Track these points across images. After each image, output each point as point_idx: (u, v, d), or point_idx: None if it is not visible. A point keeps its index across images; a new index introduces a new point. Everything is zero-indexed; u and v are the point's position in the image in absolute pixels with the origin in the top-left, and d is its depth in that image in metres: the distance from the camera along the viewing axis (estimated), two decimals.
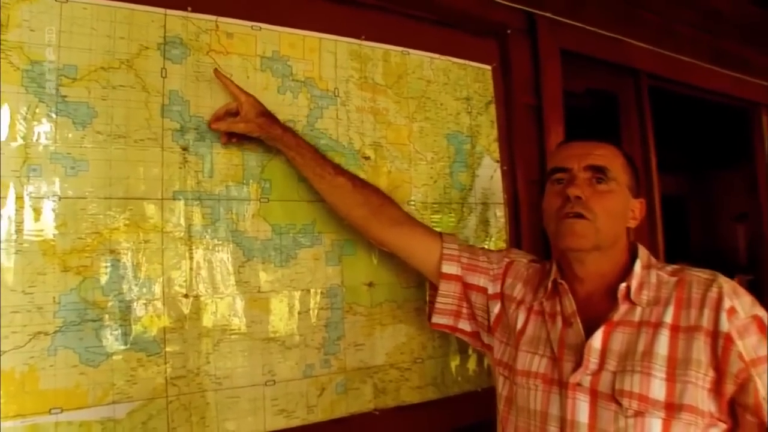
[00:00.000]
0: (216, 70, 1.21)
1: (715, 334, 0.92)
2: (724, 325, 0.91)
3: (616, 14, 2.03)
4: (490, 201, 1.61)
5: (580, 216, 1.03)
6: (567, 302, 1.07)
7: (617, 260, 1.07)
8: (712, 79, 2.38)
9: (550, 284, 1.12)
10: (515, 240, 1.65)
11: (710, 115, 2.99)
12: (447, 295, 1.23)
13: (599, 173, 1.05)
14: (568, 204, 1.04)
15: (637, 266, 1.04)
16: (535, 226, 1.66)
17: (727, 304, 0.93)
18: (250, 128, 1.19)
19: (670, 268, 1.05)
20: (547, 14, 1.78)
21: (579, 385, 0.99)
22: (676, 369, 0.92)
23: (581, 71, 1.95)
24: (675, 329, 0.95)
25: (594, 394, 0.97)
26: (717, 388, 0.91)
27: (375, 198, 1.26)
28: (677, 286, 1.00)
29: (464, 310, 1.25)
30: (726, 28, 2.51)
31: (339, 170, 1.25)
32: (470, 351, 1.51)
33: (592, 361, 0.99)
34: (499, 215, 1.63)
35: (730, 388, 0.90)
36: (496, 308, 1.21)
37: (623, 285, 1.01)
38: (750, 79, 2.56)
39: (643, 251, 1.08)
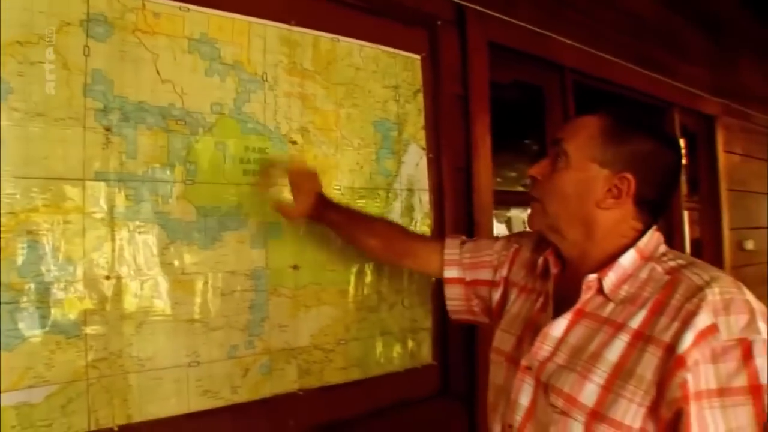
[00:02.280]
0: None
1: (670, 351, 0.79)
2: (684, 345, 0.78)
3: (544, 11, 2.11)
4: (415, 187, 1.65)
5: (534, 198, 1.01)
6: (548, 283, 1.04)
7: (605, 247, 0.96)
8: (632, 78, 2.53)
9: (540, 263, 1.09)
10: (439, 225, 1.70)
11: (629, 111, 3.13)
12: (453, 297, 1.29)
13: (557, 147, 0.98)
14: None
15: (626, 257, 0.92)
16: (460, 211, 1.73)
17: (702, 322, 0.78)
18: (298, 219, 1.36)
19: (673, 263, 0.90)
20: (477, 7, 1.83)
21: (528, 368, 0.97)
22: (617, 378, 0.84)
23: (508, 63, 2.02)
24: (637, 336, 0.85)
25: (537, 381, 0.95)
26: (656, 408, 0.80)
27: (390, 236, 1.38)
28: (664, 288, 0.87)
29: (475, 307, 1.28)
30: (647, 32, 2.68)
31: (370, 230, 1.37)
32: (395, 332, 1.56)
33: (544, 348, 0.95)
34: (424, 201, 1.67)
35: (665, 413, 0.79)
36: (497, 295, 1.22)
37: (593, 276, 0.92)
38: (665, 80, 2.73)
39: (646, 240, 0.94)
